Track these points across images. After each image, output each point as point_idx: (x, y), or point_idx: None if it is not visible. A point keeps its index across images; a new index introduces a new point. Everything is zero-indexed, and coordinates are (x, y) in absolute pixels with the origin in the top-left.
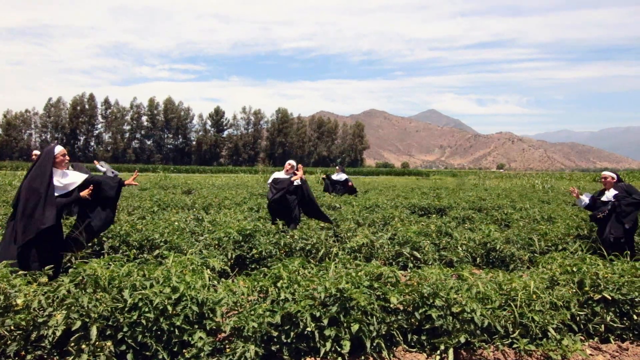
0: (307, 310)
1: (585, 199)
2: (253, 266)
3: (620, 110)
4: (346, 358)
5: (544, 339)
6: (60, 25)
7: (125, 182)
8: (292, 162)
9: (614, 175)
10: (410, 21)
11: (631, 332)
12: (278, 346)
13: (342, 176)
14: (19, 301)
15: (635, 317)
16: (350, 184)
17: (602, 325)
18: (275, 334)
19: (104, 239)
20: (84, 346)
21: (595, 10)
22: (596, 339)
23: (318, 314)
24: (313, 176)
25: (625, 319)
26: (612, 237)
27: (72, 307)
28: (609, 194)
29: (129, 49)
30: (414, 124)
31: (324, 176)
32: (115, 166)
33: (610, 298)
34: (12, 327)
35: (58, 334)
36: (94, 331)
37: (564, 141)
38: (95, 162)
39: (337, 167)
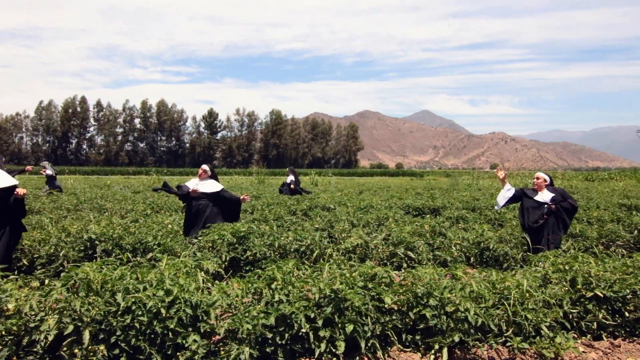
0: (301, 311)
1: (506, 196)
2: (247, 268)
3: (611, 110)
4: (341, 359)
5: (537, 337)
6: (50, 27)
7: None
8: (205, 167)
9: (547, 178)
10: (402, 22)
11: (623, 329)
12: (273, 348)
13: (290, 178)
14: (10, 306)
15: (627, 314)
16: (292, 186)
17: (595, 323)
18: (269, 335)
19: (97, 242)
20: (76, 351)
21: (585, 11)
22: (589, 336)
23: (312, 315)
24: (307, 177)
25: (617, 316)
26: (552, 245)
27: (65, 312)
28: (545, 196)
29: (120, 51)
30: (408, 125)
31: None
32: (108, 169)
33: (602, 295)
34: (4, 332)
35: (50, 338)
36: (86, 335)
37: (557, 141)
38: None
39: (287, 170)
